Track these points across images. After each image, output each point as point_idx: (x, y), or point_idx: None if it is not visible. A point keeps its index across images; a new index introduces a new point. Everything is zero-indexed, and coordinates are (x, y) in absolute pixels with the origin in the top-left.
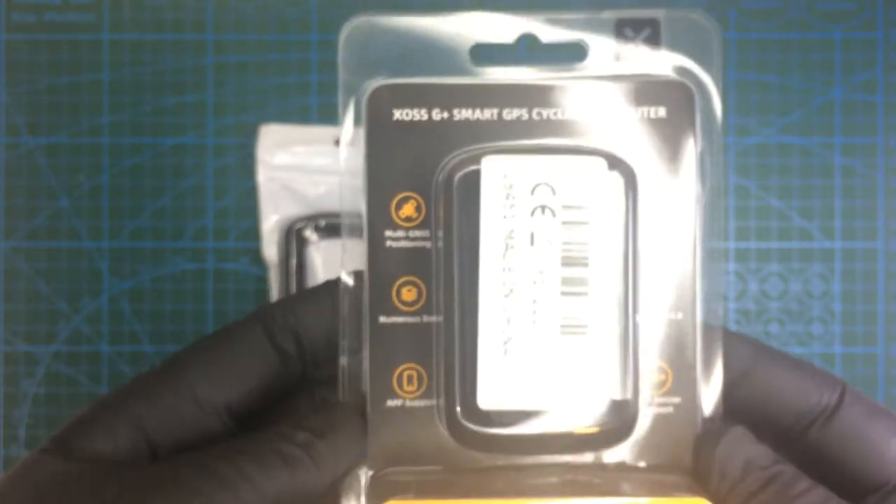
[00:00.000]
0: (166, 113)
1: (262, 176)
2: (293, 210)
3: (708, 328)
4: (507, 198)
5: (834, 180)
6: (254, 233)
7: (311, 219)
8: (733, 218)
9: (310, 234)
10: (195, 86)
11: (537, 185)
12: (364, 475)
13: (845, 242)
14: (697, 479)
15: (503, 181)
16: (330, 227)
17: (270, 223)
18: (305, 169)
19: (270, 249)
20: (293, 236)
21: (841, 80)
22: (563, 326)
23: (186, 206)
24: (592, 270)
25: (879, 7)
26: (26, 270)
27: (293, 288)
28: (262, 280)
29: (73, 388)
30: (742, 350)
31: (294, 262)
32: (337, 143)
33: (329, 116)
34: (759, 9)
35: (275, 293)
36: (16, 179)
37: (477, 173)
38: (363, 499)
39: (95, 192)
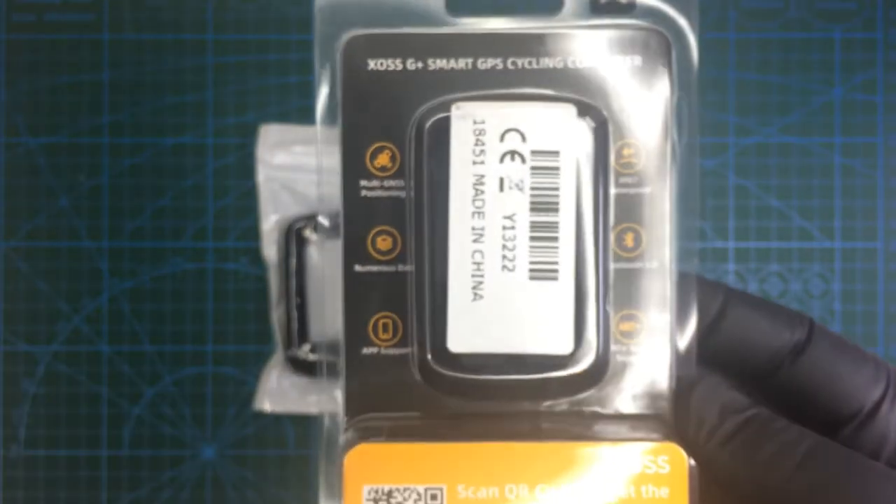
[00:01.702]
0: (166, 113)
1: (262, 176)
2: (293, 210)
3: (682, 276)
4: (477, 144)
5: (834, 180)
6: (254, 232)
7: (311, 218)
8: (733, 218)
9: (309, 233)
10: (195, 86)
11: (507, 131)
12: (340, 422)
13: (845, 242)
14: (675, 427)
15: (473, 127)
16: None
17: (270, 223)
18: (305, 169)
19: (270, 249)
20: (293, 236)
21: (841, 80)
22: (532, 271)
23: (186, 205)
24: (563, 216)
25: (879, 7)
26: (26, 270)
27: (293, 287)
28: (262, 280)
29: (72, 388)
30: (715, 295)
31: (294, 261)
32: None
33: (329, 116)
34: (758, 9)
35: (274, 293)
36: (15, 179)
37: (447, 120)
38: (339, 446)
39: (95, 192)
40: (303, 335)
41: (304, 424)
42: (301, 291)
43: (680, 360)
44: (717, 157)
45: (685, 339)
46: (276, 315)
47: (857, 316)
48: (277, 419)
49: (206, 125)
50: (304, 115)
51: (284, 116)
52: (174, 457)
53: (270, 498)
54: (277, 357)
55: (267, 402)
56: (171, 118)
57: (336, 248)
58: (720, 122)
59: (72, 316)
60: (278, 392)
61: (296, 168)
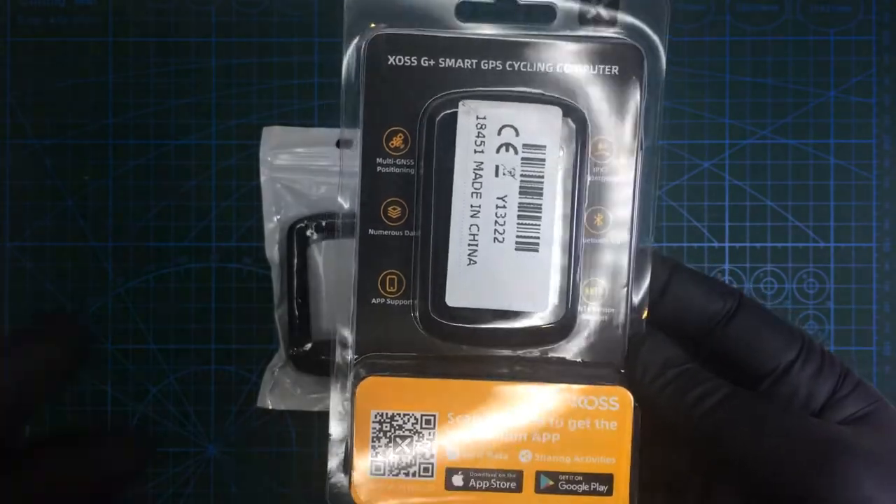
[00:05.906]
0: (170, 115)
1: (265, 177)
2: (295, 210)
3: (640, 251)
4: (478, 136)
5: (828, 181)
6: (256, 233)
7: (313, 219)
8: (728, 219)
9: (311, 233)
10: (199, 88)
11: (504, 127)
12: (350, 360)
13: (839, 242)
14: (626, 373)
15: (476, 122)
16: (330, 226)
17: (272, 223)
18: (307, 170)
19: (273, 249)
20: (295, 236)
21: (835, 82)
22: (517, 244)
23: (190, 206)
24: (545, 199)
25: (874, 10)
26: (32, 270)
27: (295, 287)
28: (265, 279)
29: (77, 386)
30: (663, 268)
31: (296, 261)
32: (338, 144)
33: (330, 118)
34: (754, 12)
35: (277, 292)
36: (22, 180)
37: (455, 114)
38: (349, 378)
39: (100, 193)
40: (305, 334)
41: (306, 421)
42: (303, 291)
43: (633, 321)
44: (713, 158)
45: (638, 304)
46: (279, 314)
47: (852, 315)
48: (280, 416)
49: (210, 127)
50: (306, 117)
51: (286, 118)
52: (178, 453)
53: (273, 494)
54: (280, 355)
55: (269, 400)
56: (174, 120)
57: (332, 245)
58: (716, 123)
59: (77, 315)
60: (280, 390)
61: (298, 169)
